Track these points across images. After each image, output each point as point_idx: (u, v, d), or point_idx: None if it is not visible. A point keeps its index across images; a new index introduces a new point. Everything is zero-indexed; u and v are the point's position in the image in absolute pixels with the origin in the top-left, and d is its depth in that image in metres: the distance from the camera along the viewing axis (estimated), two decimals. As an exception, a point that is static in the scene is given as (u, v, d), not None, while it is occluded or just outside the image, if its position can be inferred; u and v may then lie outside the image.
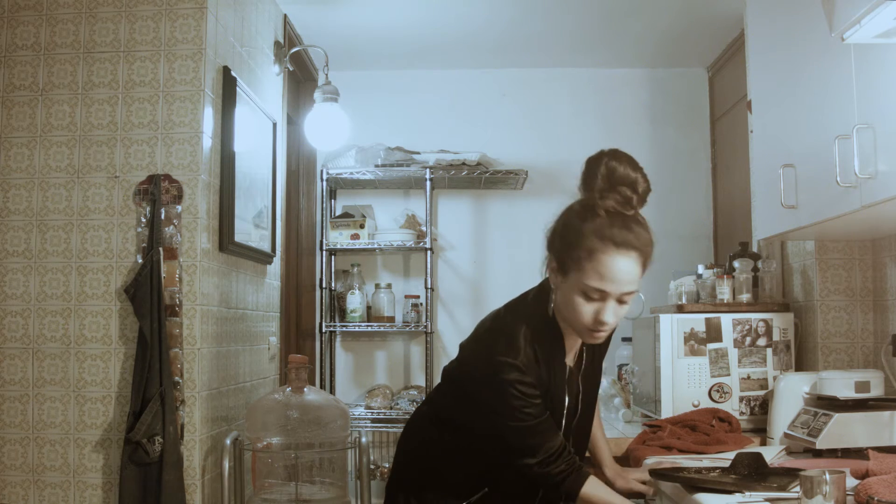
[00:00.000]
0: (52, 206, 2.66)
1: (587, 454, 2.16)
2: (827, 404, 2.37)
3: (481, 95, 4.56)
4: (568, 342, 1.85)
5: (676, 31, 3.96)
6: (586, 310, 1.70)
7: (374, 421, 4.19)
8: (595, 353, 1.99)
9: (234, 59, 2.99)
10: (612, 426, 3.00)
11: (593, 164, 1.70)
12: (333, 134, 3.78)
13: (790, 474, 1.94)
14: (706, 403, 2.78)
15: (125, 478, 2.48)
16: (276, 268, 3.56)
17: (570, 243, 1.69)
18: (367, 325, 4.26)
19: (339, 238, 4.27)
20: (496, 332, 1.82)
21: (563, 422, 1.88)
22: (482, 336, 1.86)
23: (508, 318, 1.83)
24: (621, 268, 1.66)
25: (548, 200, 4.39)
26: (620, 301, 1.70)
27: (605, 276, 1.66)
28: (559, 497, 1.80)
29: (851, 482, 1.74)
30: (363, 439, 2.81)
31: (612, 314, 1.70)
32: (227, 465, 2.65)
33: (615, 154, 1.70)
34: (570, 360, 1.88)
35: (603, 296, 1.68)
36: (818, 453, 2.27)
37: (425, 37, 4.09)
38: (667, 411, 2.80)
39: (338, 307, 4.36)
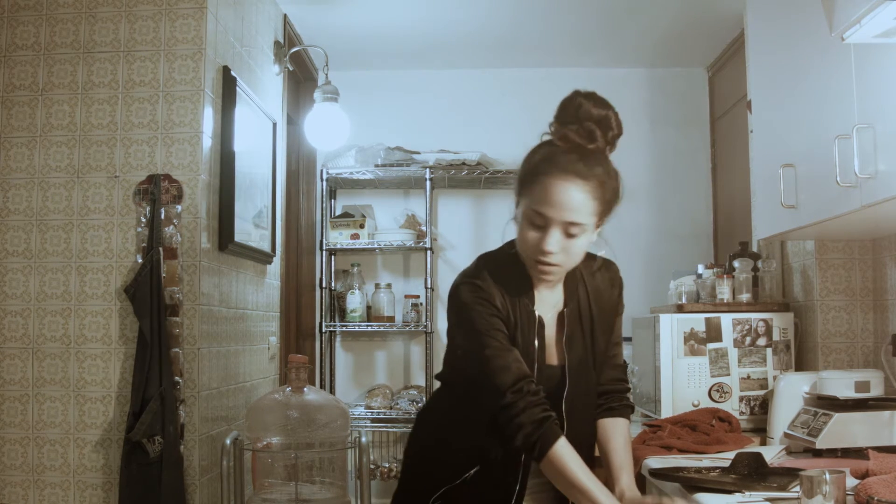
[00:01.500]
0: (52, 206, 2.66)
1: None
2: (827, 404, 2.37)
3: (481, 95, 4.56)
4: (540, 293, 1.78)
5: (676, 31, 3.96)
6: (531, 237, 1.66)
7: (374, 421, 4.19)
8: (585, 325, 1.82)
9: (234, 58, 2.99)
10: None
11: (565, 101, 1.68)
12: (333, 134, 3.78)
13: (790, 474, 1.94)
14: (706, 403, 2.78)
15: (125, 478, 2.48)
16: (276, 268, 3.56)
17: (524, 171, 1.69)
18: (367, 325, 4.26)
19: (339, 238, 4.27)
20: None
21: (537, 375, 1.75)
22: None
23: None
24: (565, 193, 1.62)
25: (548, 200, 4.40)
26: (567, 233, 1.65)
27: (546, 199, 1.62)
28: (530, 455, 1.66)
29: (851, 482, 1.74)
30: (363, 439, 2.80)
31: (555, 243, 1.64)
32: (226, 465, 2.65)
33: (587, 93, 1.67)
34: (542, 311, 1.78)
35: (546, 221, 1.64)
36: (818, 453, 2.28)
37: (425, 37, 4.09)
38: (667, 411, 2.80)
39: (338, 307, 4.36)
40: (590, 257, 1.83)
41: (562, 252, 1.66)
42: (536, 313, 1.76)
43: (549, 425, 1.63)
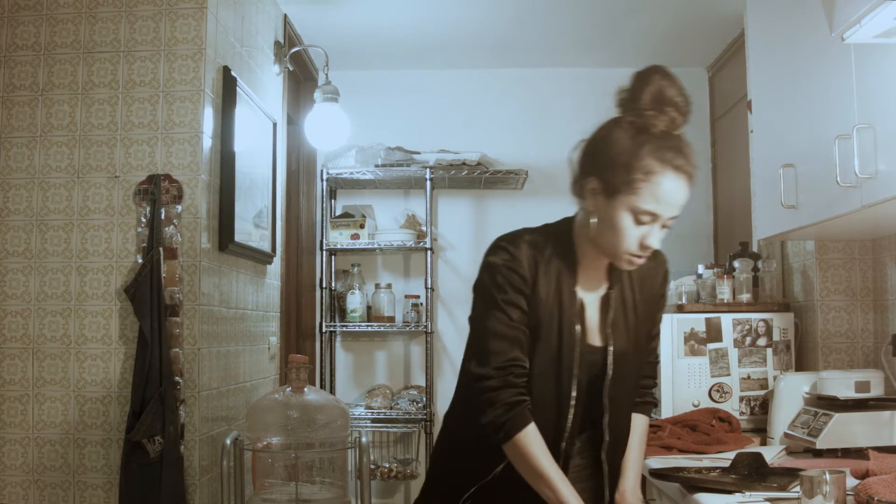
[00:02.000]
0: (52, 206, 2.66)
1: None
2: (827, 404, 2.37)
3: (481, 95, 4.56)
4: (585, 273, 1.73)
5: (676, 31, 3.96)
6: (633, 233, 1.61)
7: (374, 421, 4.19)
8: (628, 311, 1.77)
9: (234, 59, 2.99)
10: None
11: (642, 81, 1.64)
12: (333, 134, 3.78)
13: (790, 474, 1.94)
14: (706, 403, 2.78)
15: (125, 478, 2.48)
16: (276, 268, 3.56)
17: (624, 165, 1.59)
18: (368, 325, 4.26)
19: (339, 238, 4.27)
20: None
21: (577, 368, 1.68)
22: None
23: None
24: (676, 192, 1.60)
25: (548, 200, 4.41)
26: (664, 225, 1.63)
27: (662, 198, 1.59)
28: (496, 437, 1.62)
29: (851, 482, 1.74)
30: (363, 439, 2.80)
31: (657, 238, 1.63)
32: (226, 465, 2.65)
33: (665, 73, 1.64)
34: (586, 292, 1.73)
35: (654, 219, 1.60)
36: (818, 453, 2.28)
37: (425, 37, 4.09)
38: (667, 411, 2.79)
39: (338, 307, 4.36)
40: None
41: (658, 243, 1.65)
42: (578, 294, 1.71)
43: (521, 410, 1.61)
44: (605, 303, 1.75)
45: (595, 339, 1.73)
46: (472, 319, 1.72)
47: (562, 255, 1.70)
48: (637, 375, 1.83)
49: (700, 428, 2.62)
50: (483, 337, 1.66)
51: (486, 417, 1.62)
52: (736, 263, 3.05)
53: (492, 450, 1.66)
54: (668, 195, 1.59)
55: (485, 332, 1.66)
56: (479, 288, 1.71)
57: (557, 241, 1.71)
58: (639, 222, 1.61)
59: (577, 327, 1.69)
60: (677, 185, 1.60)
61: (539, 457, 1.60)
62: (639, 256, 1.65)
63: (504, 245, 1.68)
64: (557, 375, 1.67)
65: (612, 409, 1.73)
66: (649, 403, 1.91)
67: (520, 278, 1.66)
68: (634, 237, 1.62)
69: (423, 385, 4.26)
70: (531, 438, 1.61)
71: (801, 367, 2.86)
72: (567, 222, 1.75)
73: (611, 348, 1.72)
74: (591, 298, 1.74)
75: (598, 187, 1.64)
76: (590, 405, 1.72)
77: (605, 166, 1.63)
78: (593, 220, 1.66)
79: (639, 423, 1.87)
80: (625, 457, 1.81)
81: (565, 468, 1.68)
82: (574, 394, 1.68)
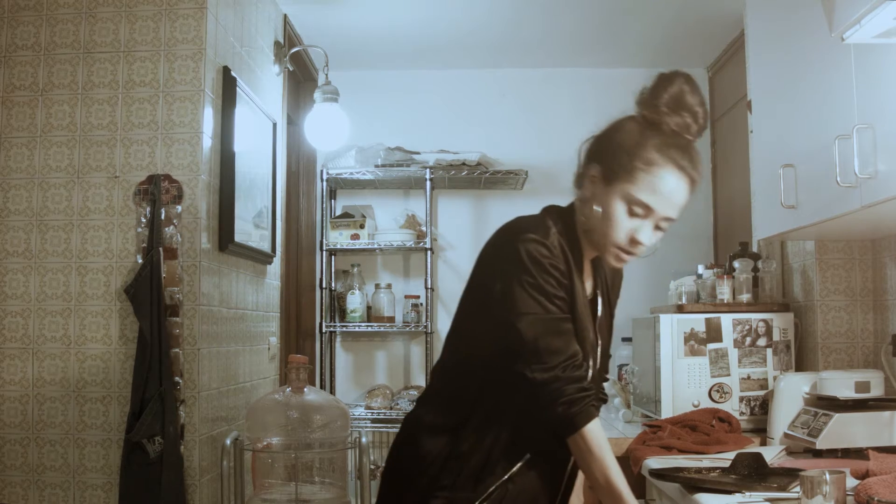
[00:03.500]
0: (52, 206, 2.66)
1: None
2: (827, 404, 2.37)
3: (481, 95, 4.56)
4: (584, 271, 1.70)
5: (676, 31, 3.96)
6: (624, 225, 1.59)
7: (374, 421, 4.19)
8: (606, 312, 1.77)
9: (234, 59, 2.99)
10: (613, 426, 3.00)
11: (665, 81, 1.61)
12: (333, 134, 3.78)
13: (790, 474, 1.94)
14: (706, 403, 2.78)
15: (125, 478, 2.48)
16: (276, 268, 3.56)
17: (627, 151, 1.58)
18: (367, 326, 4.26)
19: (339, 238, 4.27)
20: (515, 221, 1.65)
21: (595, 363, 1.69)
22: (494, 234, 1.67)
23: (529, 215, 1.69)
24: (675, 189, 1.58)
25: (548, 200, 4.38)
26: (658, 227, 1.61)
27: (659, 191, 1.57)
28: (564, 427, 1.55)
29: (851, 482, 1.74)
30: (363, 439, 2.80)
31: (648, 235, 1.60)
32: (226, 465, 2.65)
33: (689, 79, 1.61)
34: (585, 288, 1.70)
35: (648, 213, 1.58)
36: (818, 453, 2.28)
37: (425, 37, 4.09)
38: (667, 411, 2.80)
39: (338, 307, 4.36)
40: None
41: (648, 241, 1.61)
42: (587, 289, 1.69)
43: (590, 401, 1.57)
44: (593, 303, 1.74)
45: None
46: (516, 316, 1.57)
47: (578, 249, 1.68)
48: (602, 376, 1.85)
49: (700, 428, 2.62)
50: (539, 335, 1.56)
51: (557, 409, 1.53)
52: (736, 263, 3.05)
53: (512, 449, 1.61)
54: (665, 190, 1.58)
55: (541, 328, 1.56)
56: (519, 284, 1.57)
57: (570, 231, 1.68)
58: (632, 213, 1.59)
59: (588, 314, 1.68)
60: (677, 183, 1.58)
61: (605, 451, 1.54)
62: (627, 252, 1.62)
63: (539, 240, 1.59)
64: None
65: None
66: (599, 403, 1.82)
67: (560, 272, 1.60)
68: (625, 228, 1.59)
69: (423, 385, 4.26)
70: (598, 432, 1.55)
71: (801, 367, 2.86)
72: (571, 212, 1.71)
73: (599, 349, 1.73)
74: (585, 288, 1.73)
75: (598, 174, 1.63)
76: None
77: (608, 153, 1.62)
78: (593, 208, 1.63)
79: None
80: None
81: (573, 472, 1.72)
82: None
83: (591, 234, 1.66)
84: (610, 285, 1.81)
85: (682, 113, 1.59)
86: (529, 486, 1.64)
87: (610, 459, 1.54)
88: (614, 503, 1.54)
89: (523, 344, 1.56)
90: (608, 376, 1.95)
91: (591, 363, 1.68)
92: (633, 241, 1.60)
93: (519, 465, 1.62)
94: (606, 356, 1.80)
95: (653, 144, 1.58)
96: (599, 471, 1.54)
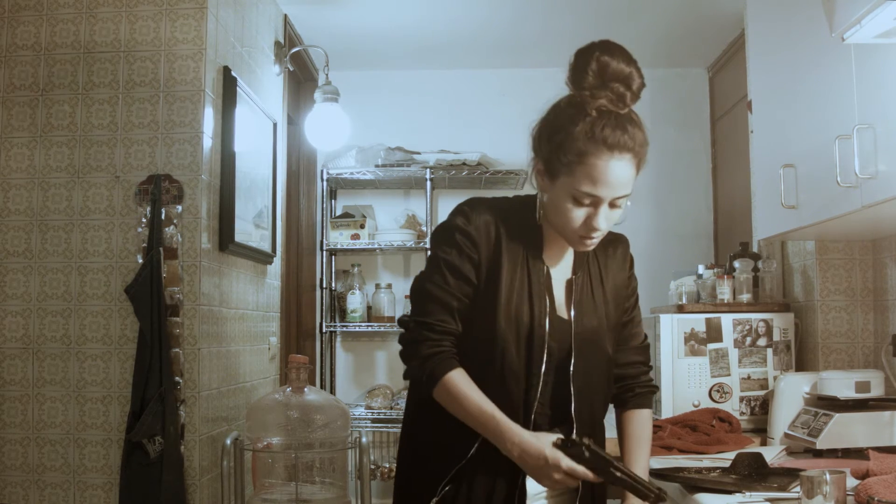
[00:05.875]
0: (53, 206, 2.66)
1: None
2: (827, 404, 2.37)
3: (481, 95, 4.56)
4: (550, 250, 1.71)
5: (676, 31, 3.96)
6: (577, 215, 1.58)
7: (374, 421, 4.19)
8: (597, 297, 1.73)
9: (234, 59, 2.99)
10: (613, 426, 2.99)
11: (582, 57, 1.59)
12: (333, 134, 3.78)
13: (790, 474, 1.94)
14: (706, 403, 2.78)
15: (125, 478, 2.48)
16: (276, 268, 3.56)
17: (558, 145, 1.57)
18: (368, 325, 4.26)
19: (339, 238, 4.27)
20: (467, 200, 1.73)
21: (549, 337, 1.64)
22: None
23: None
24: (615, 172, 1.54)
25: (548, 200, 4.41)
26: (612, 205, 1.59)
27: (598, 180, 1.54)
28: (424, 385, 1.63)
29: (851, 482, 1.73)
30: (363, 439, 2.80)
31: (603, 220, 1.58)
32: (227, 465, 2.65)
33: (607, 47, 1.58)
34: (552, 269, 1.71)
35: (595, 201, 1.57)
36: (818, 453, 2.28)
37: (425, 37, 4.09)
38: (667, 411, 2.79)
39: (338, 307, 4.36)
40: None
41: (606, 223, 1.61)
42: (545, 264, 1.69)
43: (447, 357, 1.62)
44: (569, 287, 1.72)
45: (562, 313, 1.70)
46: (417, 276, 1.71)
47: (528, 227, 1.70)
48: (608, 374, 1.77)
49: (700, 428, 2.62)
50: (417, 294, 1.68)
51: (412, 368, 1.64)
52: (736, 263, 3.05)
53: (465, 430, 1.63)
54: (603, 176, 1.54)
55: (419, 290, 1.67)
56: (432, 247, 1.71)
57: (524, 212, 1.71)
58: (580, 204, 1.58)
59: (548, 299, 1.66)
60: (615, 164, 1.54)
61: (470, 392, 1.58)
62: (589, 238, 1.62)
63: (464, 209, 1.68)
64: (529, 341, 1.64)
65: (579, 399, 1.68)
66: (647, 391, 1.83)
67: (471, 244, 1.65)
68: (579, 218, 1.59)
69: (424, 385, 4.26)
70: (460, 380, 1.60)
71: (801, 367, 2.86)
72: (528, 201, 1.74)
73: (573, 324, 1.69)
74: (557, 275, 1.72)
75: (542, 168, 1.64)
76: (558, 393, 1.67)
77: (546, 146, 1.62)
78: (544, 200, 1.67)
79: (635, 421, 1.82)
80: (625, 462, 1.77)
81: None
82: (545, 363, 1.64)
83: (552, 224, 1.68)
84: (604, 267, 1.77)
85: (610, 85, 1.55)
86: (491, 468, 1.64)
87: (473, 397, 1.58)
88: (492, 433, 1.56)
89: (412, 300, 1.69)
90: (645, 366, 1.86)
91: (545, 334, 1.65)
92: (590, 227, 1.60)
93: (475, 447, 1.63)
94: (600, 348, 1.73)
95: (582, 132, 1.55)
96: (469, 418, 1.58)
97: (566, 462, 1.52)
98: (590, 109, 1.56)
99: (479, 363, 1.65)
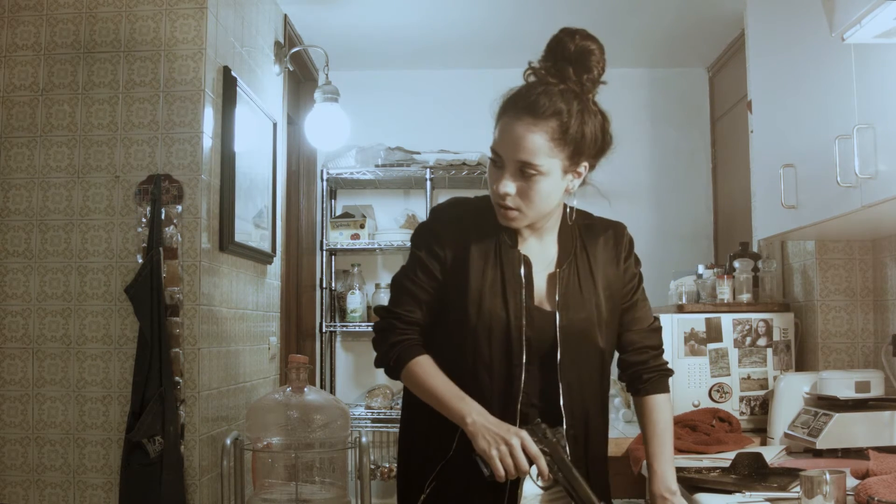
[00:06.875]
0: (53, 206, 2.66)
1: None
2: (827, 404, 2.37)
3: (481, 95, 4.48)
4: (529, 240, 1.71)
5: (676, 31, 3.96)
6: (492, 177, 1.64)
7: (374, 421, 4.19)
8: (585, 288, 1.70)
9: (234, 59, 2.99)
10: (613, 426, 3.00)
11: (551, 39, 1.70)
12: (333, 134, 3.78)
13: (790, 474, 1.94)
14: (706, 403, 2.78)
15: (125, 478, 2.48)
16: (276, 268, 3.56)
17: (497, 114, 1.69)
18: (368, 325, 4.26)
19: (339, 238, 4.27)
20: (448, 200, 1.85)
21: (526, 327, 1.63)
22: None
23: None
24: (518, 131, 1.59)
25: (548, 200, 4.41)
26: (524, 174, 1.59)
27: (501, 138, 1.62)
28: (391, 370, 1.68)
29: (851, 482, 1.74)
30: (363, 439, 2.80)
31: (509, 185, 1.59)
32: (226, 465, 2.65)
33: (573, 31, 1.69)
34: (536, 261, 1.70)
35: (502, 161, 1.61)
36: (818, 453, 2.28)
37: (425, 37, 4.09)
38: (667, 411, 2.79)
39: (338, 307, 4.36)
40: (585, 215, 1.77)
41: (518, 195, 1.61)
42: (522, 252, 1.69)
43: (413, 344, 1.66)
44: (552, 279, 1.70)
45: (544, 305, 1.68)
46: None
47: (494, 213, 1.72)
48: (601, 368, 1.72)
49: (700, 428, 2.62)
50: (393, 286, 1.75)
51: (380, 356, 1.69)
52: (736, 263, 3.05)
53: (448, 426, 1.62)
54: (505, 134, 1.62)
55: (395, 282, 1.74)
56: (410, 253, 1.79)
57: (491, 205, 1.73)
58: (494, 165, 1.65)
59: (523, 283, 1.66)
60: (520, 126, 1.60)
61: (433, 375, 1.62)
62: (501, 206, 1.64)
63: (437, 207, 1.77)
64: (505, 333, 1.63)
65: (570, 393, 1.65)
66: (658, 376, 1.77)
67: (436, 241, 1.70)
68: (493, 182, 1.64)
69: (423, 385, 4.26)
70: (425, 365, 1.64)
71: (801, 367, 2.86)
72: None
73: (558, 315, 1.66)
74: (539, 268, 1.70)
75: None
76: (546, 385, 1.65)
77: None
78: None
79: (654, 407, 1.75)
80: (647, 450, 1.74)
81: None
82: (525, 355, 1.63)
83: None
84: (593, 258, 1.73)
85: (556, 61, 1.67)
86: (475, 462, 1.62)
87: (438, 378, 1.61)
88: (456, 411, 1.56)
89: (390, 291, 1.77)
90: (654, 349, 1.79)
91: (522, 324, 1.64)
92: (497, 194, 1.63)
93: (456, 441, 1.64)
94: (592, 340, 1.69)
95: (507, 96, 1.68)
96: (433, 400, 1.61)
97: (527, 435, 1.52)
98: (525, 77, 1.68)
99: (452, 355, 1.67)
